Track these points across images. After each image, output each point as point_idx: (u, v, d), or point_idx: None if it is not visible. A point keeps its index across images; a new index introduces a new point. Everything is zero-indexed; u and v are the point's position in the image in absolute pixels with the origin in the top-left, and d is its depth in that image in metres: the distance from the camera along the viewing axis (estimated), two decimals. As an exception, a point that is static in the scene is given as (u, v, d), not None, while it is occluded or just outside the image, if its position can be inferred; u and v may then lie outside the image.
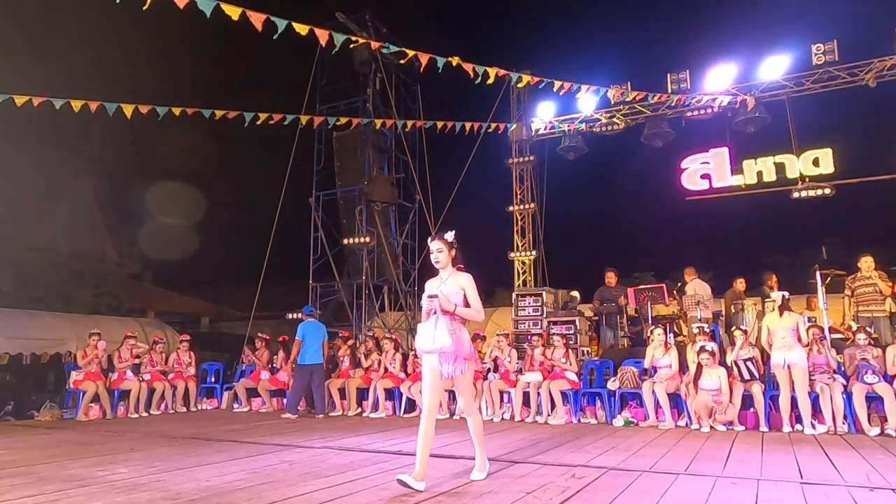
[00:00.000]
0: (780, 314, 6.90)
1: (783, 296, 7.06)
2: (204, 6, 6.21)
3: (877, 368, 6.57)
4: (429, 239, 4.03)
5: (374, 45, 7.71)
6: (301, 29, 6.92)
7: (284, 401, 9.36)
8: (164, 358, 9.80)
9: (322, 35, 7.09)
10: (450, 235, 3.99)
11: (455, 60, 7.94)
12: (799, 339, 6.76)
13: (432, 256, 3.96)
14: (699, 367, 6.93)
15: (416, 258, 14.20)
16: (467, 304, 3.89)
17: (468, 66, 8.06)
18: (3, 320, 11.43)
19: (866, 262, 8.28)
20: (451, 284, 3.91)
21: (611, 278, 10.06)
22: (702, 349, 6.93)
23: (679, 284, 10.18)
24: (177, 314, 19.99)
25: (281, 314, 13.70)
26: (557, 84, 9.18)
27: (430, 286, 3.97)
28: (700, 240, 20.05)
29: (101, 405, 8.72)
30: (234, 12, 6.34)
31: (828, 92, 10.93)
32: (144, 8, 6.14)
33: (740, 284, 9.85)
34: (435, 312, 3.83)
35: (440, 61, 7.86)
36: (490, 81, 8.33)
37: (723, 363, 7.15)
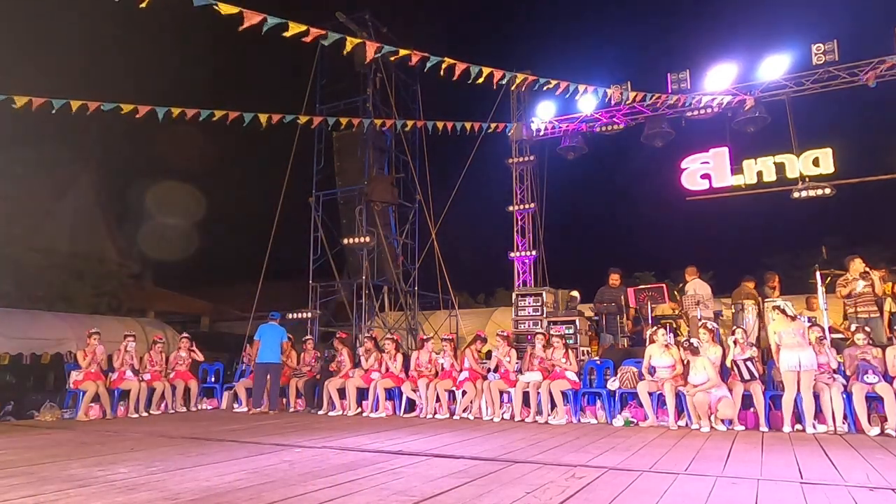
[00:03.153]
0: (790, 319, 6.92)
1: (788, 305, 7.12)
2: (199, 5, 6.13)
3: (877, 368, 6.57)
4: None
5: (370, 48, 7.58)
6: (295, 28, 6.83)
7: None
8: (164, 358, 9.80)
9: (314, 34, 7.01)
10: None
11: (448, 61, 7.87)
12: (808, 341, 6.78)
13: None
14: (687, 364, 7.00)
15: (416, 258, 14.20)
16: None
17: (461, 66, 7.98)
18: (3, 320, 11.42)
19: (857, 264, 8.29)
20: None
21: (615, 279, 10.05)
22: (682, 345, 7.07)
23: (680, 285, 10.17)
24: (177, 314, 20.00)
25: (281, 314, 13.72)
26: (553, 83, 9.14)
27: None
28: (700, 240, 20.10)
29: (101, 405, 8.71)
30: (230, 12, 6.26)
31: (828, 92, 10.92)
32: (143, 5, 6.11)
33: (750, 285, 9.83)
34: None
35: (433, 60, 7.78)
36: (481, 80, 8.25)
37: (723, 363, 7.18)
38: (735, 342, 7.19)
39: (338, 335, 10.20)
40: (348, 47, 7.33)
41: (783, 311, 6.96)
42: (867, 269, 8.31)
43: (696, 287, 9.53)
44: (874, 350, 6.83)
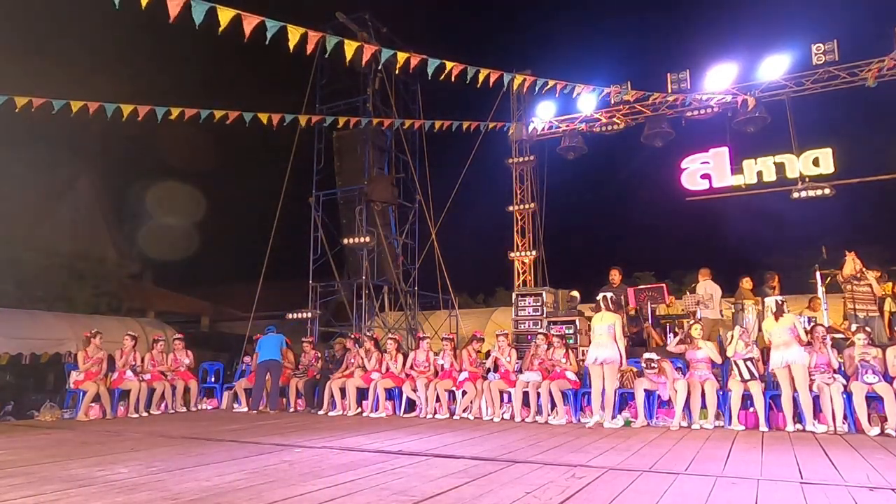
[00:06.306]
0: (776, 319, 6.93)
1: (777, 301, 7.10)
2: (197, 14, 6.05)
3: (877, 368, 6.57)
4: None
5: (367, 52, 7.54)
6: (294, 34, 6.77)
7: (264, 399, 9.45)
8: (165, 358, 9.79)
9: (313, 39, 6.96)
10: None
11: (449, 65, 7.84)
12: (798, 339, 6.77)
13: None
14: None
15: (416, 258, 14.21)
16: None
17: (459, 68, 7.94)
18: (3, 320, 11.42)
19: (852, 260, 8.30)
20: None
21: (615, 276, 10.05)
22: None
23: (693, 285, 10.17)
24: (177, 314, 19.99)
25: (281, 314, 13.72)
26: (552, 83, 9.11)
27: None
28: (700, 240, 20.11)
29: (101, 405, 8.71)
30: (226, 15, 6.19)
31: (828, 92, 10.94)
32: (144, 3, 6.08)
33: (747, 283, 9.82)
34: None
35: (432, 65, 7.73)
36: (479, 85, 8.21)
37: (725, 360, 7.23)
38: (739, 337, 7.21)
39: (351, 335, 10.18)
40: (348, 54, 7.29)
41: (774, 314, 6.99)
42: (863, 269, 8.32)
43: (707, 288, 9.49)
44: (874, 350, 6.83)
